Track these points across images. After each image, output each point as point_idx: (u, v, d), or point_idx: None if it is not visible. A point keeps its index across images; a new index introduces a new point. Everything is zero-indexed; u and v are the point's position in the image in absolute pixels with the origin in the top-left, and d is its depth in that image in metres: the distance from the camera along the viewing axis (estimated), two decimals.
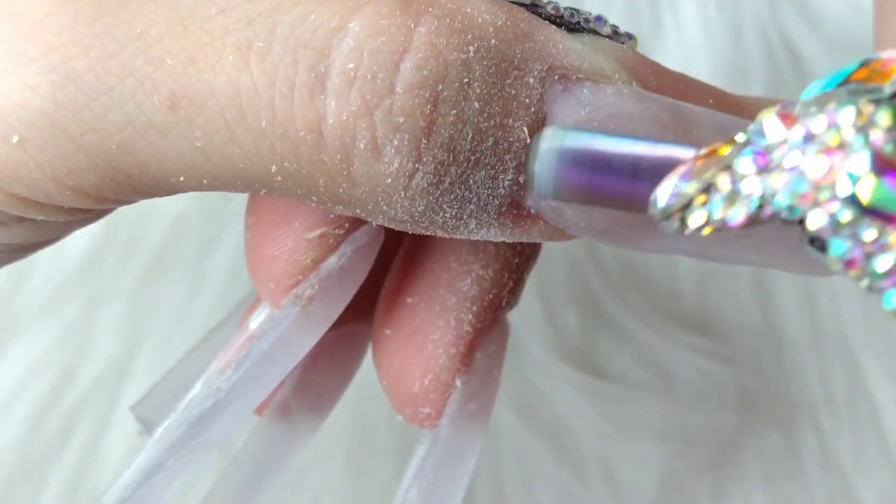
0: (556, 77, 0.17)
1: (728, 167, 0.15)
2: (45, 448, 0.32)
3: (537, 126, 0.17)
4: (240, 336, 0.22)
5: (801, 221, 0.15)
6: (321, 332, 0.21)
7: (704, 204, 0.15)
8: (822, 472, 0.33)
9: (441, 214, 0.17)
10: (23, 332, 0.33)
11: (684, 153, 0.16)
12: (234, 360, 0.21)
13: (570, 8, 0.19)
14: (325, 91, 0.16)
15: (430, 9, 0.16)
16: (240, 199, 0.35)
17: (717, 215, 0.15)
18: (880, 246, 0.14)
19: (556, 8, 0.19)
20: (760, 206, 0.15)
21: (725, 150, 0.15)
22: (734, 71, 0.36)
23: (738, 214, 0.15)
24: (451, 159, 0.17)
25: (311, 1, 0.16)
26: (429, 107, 0.16)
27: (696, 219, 0.15)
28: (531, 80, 0.17)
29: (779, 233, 0.18)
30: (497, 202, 0.18)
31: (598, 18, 0.19)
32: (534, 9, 0.18)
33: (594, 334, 0.34)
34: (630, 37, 0.20)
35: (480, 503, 0.32)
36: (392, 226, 0.18)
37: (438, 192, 0.17)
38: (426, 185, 0.17)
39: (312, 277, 0.21)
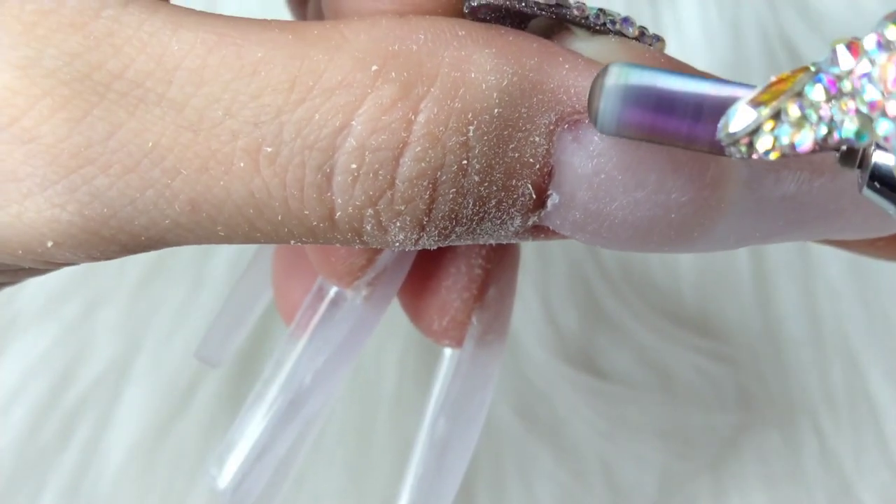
0: (565, 126, 0.18)
1: (798, 94, 0.15)
2: (45, 448, 0.32)
3: (543, 180, 0.18)
4: (317, 302, 0.23)
5: (866, 151, 0.15)
6: (386, 307, 0.23)
7: (773, 130, 0.15)
8: (822, 472, 0.33)
9: (457, 244, 0.18)
10: (23, 332, 0.33)
11: (748, 93, 0.16)
12: (318, 333, 0.23)
13: (598, 9, 0.19)
14: (331, 189, 0.17)
15: (432, 89, 0.17)
16: None
17: (785, 140, 0.15)
18: None
19: (582, 9, 0.18)
20: (829, 133, 0.15)
21: (795, 79, 0.15)
22: (734, 71, 0.36)
23: (805, 139, 0.15)
24: (453, 224, 0.17)
25: (316, 96, 0.16)
26: (428, 192, 0.17)
27: (763, 143, 0.15)
28: (537, 139, 0.17)
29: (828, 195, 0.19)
30: (511, 233, 0.18)
31: (626, 20, 0.19)
32: (559, 10, 0.18)
33: (594, 334, 0.34)
34: (658, 38, 0.20)
35: (480, 503, 0.32)
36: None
37: (447, 242, 0.18)
38: (433, 242, 0.18)
39: (371, 272, 0.22)
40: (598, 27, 0.19)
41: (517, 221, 0.18)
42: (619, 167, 0.17)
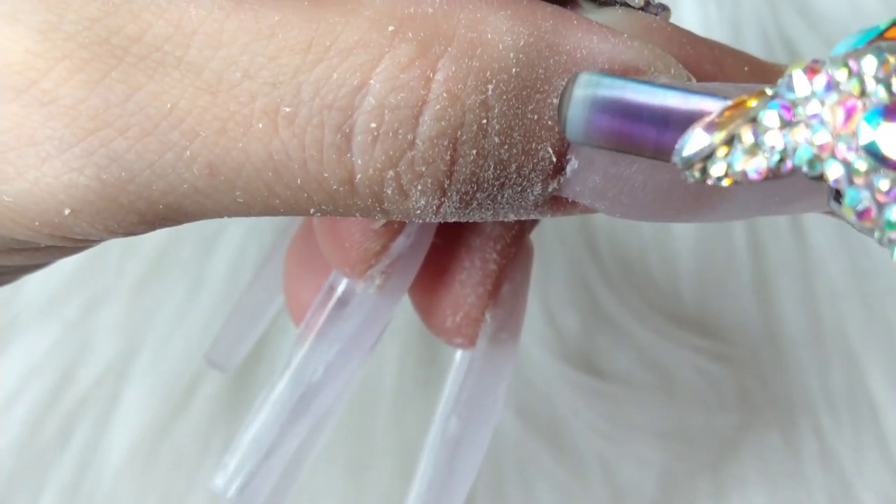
0: None
1: (753, 119, 0.15)
2: (45, 448, 0.32)
3: (563, 144, 0.18)
4: (326, 299, 0.23)
5: (821, 177, 0.15)
6: (400, 299, 0.23)
7: (726, 156, 0.15)
8: (822, 472, 0.33)
9: (477, 216, 0.18)
10: (23, 332, 0.33)
11: (715, 105, 0.16)
12: (326, 331, 0.22)
13: None
14: (351, 150, 0.17)
15: (449, 48, 0.17)
16: None
17: (738, 167, 0.15)
18: (894, 196, 0.14)
19: None
20: (781, 160, 0.15)
21: (752, 102, 0.15)
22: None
23: (758, 167, 0.15)
24: (475, 189, 0.17)
25: (334, 56, 0.16)
26: (449, 153, 0.17)
27: (716, 169, 0.15)
28: (555, 101, 0.17)
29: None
30: (532, 203, 0.18)
31: None
32: None
33: (594, 334, 0.34)
34: (663, 7, 0.20)
35: (480, 503, 0.32)
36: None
37: (468, 210, 0.18)
38: (454, 209, 0.18)
39: (385, 260, 0.22)
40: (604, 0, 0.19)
41: (537, 188, 0.18)
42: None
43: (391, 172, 0.17)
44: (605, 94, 0.16)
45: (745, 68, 0.19)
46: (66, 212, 0.17)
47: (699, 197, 0.18)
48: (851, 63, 0.14)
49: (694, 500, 0.33)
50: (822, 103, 0.14)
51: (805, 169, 0.15)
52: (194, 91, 0.16)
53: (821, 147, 0.14)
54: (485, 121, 0.17)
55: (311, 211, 0.17)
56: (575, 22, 0.18)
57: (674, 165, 0.16)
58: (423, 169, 0.17)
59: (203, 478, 0.32)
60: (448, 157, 0.17)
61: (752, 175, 0.15)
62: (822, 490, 0.33)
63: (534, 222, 0.24)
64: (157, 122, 0.16)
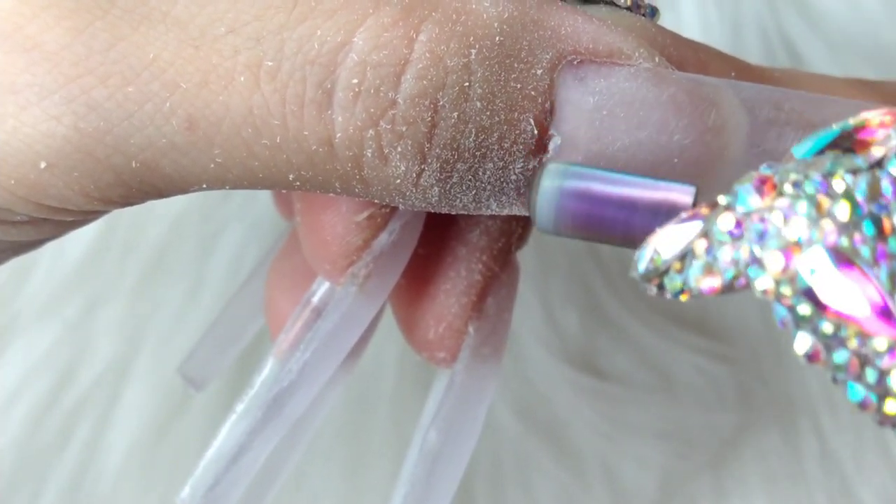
0: (566, 63, 0.18)
1: (706, 233, 0.15)
2: (45, 448, 0.32)
3: (545, 118, 0.18)
4: (302, 310, 0.23)
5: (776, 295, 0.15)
6: (380, 304, 0.22)
7: (680, 271, 0.15)
8: (822, 472, 0.33)
9: (459, 200, 0.18)
10: (23, 332, 0.33)
11: (681, 195, 0.17)
12: (300, 338, 0.22)
13: None
14: (332, 106, 0.17)
15: (433, 13, 0.17)
16: (240, 200, 0.35)
17: (693, 283, 0.15)
18: (838, 340, 0.14)
19: None
20: (735, 277, 0.15)
21: (707, 212, 0.15)
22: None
23: (713, 283, 0.15)
24: (455, 157, 0.17)
25: (318, 15, 0.17)
26: (429, 113, 0.17)
27: (673, 285, 0.15)
28: (538, 72, 0.17)
29: None
30: (513, 186, 0.18)
31: None
32: None
33: (594, 334, 0.34)
34: (653, 10, 0.20)
35: (480, 503, 0.32)
36: (416, 209, 0.19)
37: (448, 185, 0.18)
38: (434, 181, 0.17)
39: (366, 256, 0.21)
40: None
41: (519, 164, 0.18)
42: (622, 104, 0.17)
43: (371, 132, 0.17)
44: (572, 184, 0.17)
45: (732, 73, 0.19)
46: (42, 165, 0.17)
47: (685, 178, 0.18)
48: (787, 206, 0.14)
49: (694, 500, 0.33)
50: (762, 248, 0.14)
51: (757, 293, 0.15)
52: (178, 44, 0.17)
53: (765, 292, 0.14)
54: (467, 84, 0.17)
55: (291, 178, 0.17)
56: (559, 4, 0.18)
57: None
58: (404, 129, 0.17)
59: None
60: (429, 118, 0.17)
61: (707, 290, 0.15)
62: (822, 490, 0.33)
63: (521, 238, 0.23)
64: (138, 72, 0.16)
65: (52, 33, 0.16)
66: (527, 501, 0.32)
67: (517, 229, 0.23)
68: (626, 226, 0.17)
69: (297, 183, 0.18)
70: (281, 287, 0.25)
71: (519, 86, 0.17)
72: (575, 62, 0.18)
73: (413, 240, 0.22)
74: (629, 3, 0.19)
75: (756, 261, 0.14)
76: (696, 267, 0.15)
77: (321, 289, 0.23)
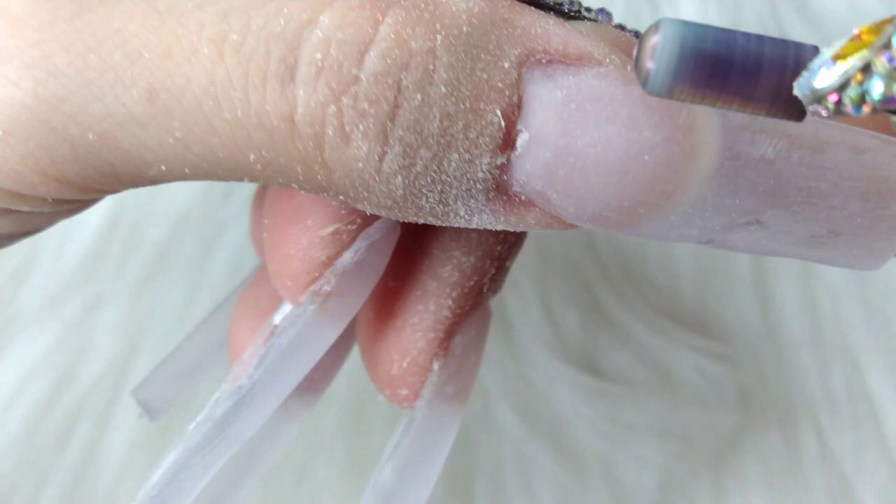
0: (534, 61, 0.17)
1: (886, 46, 0.14)
2: (45, 448, 0.32)
3: (512, 112, 0.17)
4: (264, 333, 0.22)
5: None
6: (342, 327, 0.21)
7: (861, 84, 0.14)
8: (822, 472, 0.33)
9: (425, 200, 0.18)
10: (23, 332, 0.33)
11: (827, 50, 0.15)
12: (255, 357, 0.21)
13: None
14: (294, 81, 0.17)
15: (402, 0, 0.17)
16: (240, 200, 0.35)
17: (876, 93, 0.14)
18: None
19: None
20: None
21: (881, 31, 0.14)
22: None
23: None
24: (419, 141, 0.17)
25: None
26: (392, 93, 0.17)
27: (853, 98, 0.14)
28: (506, 65, 0.17)
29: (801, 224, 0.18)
30: (481, 187, 0.18)
31: (602, 11, 0.19)
32: None
33: (594, 334, 0.34)
34: (637, 34, 0.19)
35: (480, 503, 0.32)
36: (383, 214, 0.18)
37: (412, 175, 0.17)
38: (398, 167, 0.17)
39: (329, 274, 0.21)
40: (572, 14, 0.19)
41: (486, 159, 0.17)
42: (590, 100, 0.17)
43: (333, 107, 0.17)
44: (692, 41, 0.15)
45: None
46: None
47: (654, 185, 0.17)
48: None
49: (694, 500, 0.33)
50: None
51: None
52: (144, 16, 0.17)
53: None
54: (431, 67, 0.17)
55: (252, 159, 0.17)
56: (531, 9, 0.18)
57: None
58: (366, 106, 0.17)
59: None
60: (392, 98, 0.17)
61: (894, 101, 0.14)
62: (822, 490, 0.33)
63: (494, 280, 0.23)
64: (101, 41, 0.16)
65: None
66: (527, 501, 0.32)
67: (490, 269, 0.22)
68: (751, 83, 0.15)
69: (259, 166, 0.17)
70: (245, 316, 0.24)
71: (486, 76, 0.17)
72: (544, 61, 0.18)
73: (380, 263, 0.21)
74: (613, 24, 0.19)
75: None
76: (879, 77, 0.14)
77: (284, 309, 0.22)
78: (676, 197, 0.18)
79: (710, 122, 0.17)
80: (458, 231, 0.22)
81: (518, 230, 0.19)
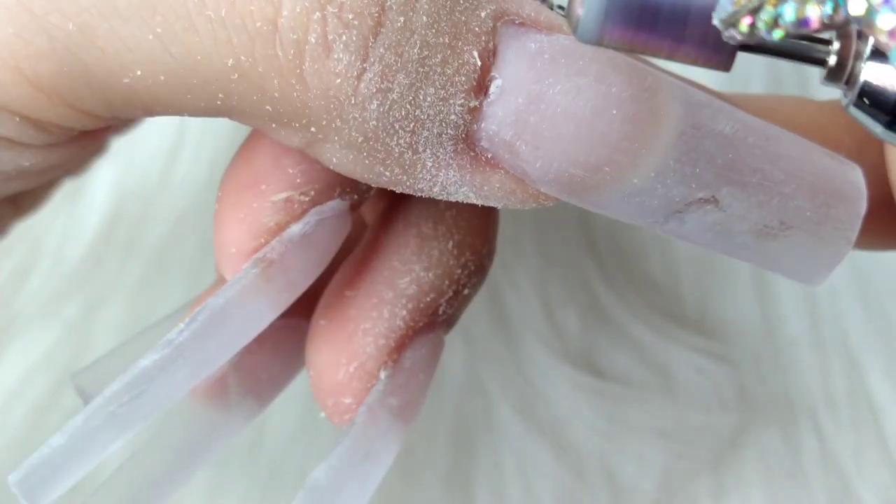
0: (508, 20, 0.18)
1: None
2: None
3: (488, 56, 0.18)
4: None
5: (854, 68, 0.15)
6: (281, 306, 0.20)
7: (776, 6, 0.14)
8: (822, 472, 0.33)
9: (396, 140, 0.18)
10: (23, 332, 0.33)
11: None
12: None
13: None
14: None
15: None
16: None
17: (789, 17, 0.14)
18: None
19: None
20: (835, 10, 0.14)
21: None
22: (734, 70, 0.36)
23: (811, 15, 0.14)
24: (398, 65, 0.17)
25: None
26: (377, 9, 0.17)
27: (767, 21, 0.14)
28: (482, 14, 0.18)
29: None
30: (451, 133, 0.18)
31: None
32: None
33: (594, 334, 0.35)
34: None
35: (480, 503, 0.32)
36: (349, 161, 0.18)
37: (388, 102, 0.17)
38: (375, 89, 0.17)
39: (275, 243, 0.20)
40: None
41: (460, 100, 0.18)
42: (562, 52, 0.18)
43: (318, 14, 0.17)
44: None
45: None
46: None
47: (621, 143, 0.18)
48: None
49: (694, 500, 0.33)
50: None
51: (860, 16, 0.14)
52: None
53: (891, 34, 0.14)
54: None
55: (230, 64, 0.17)
56: None
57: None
58: (350, 17, 0.17)
59: (201, 478, 0.32)
60: (376, 14, 0.17)
61: (808, 24, 0.14)
62: (822, 490, 0.33)
63: (451, 304, 0.23)
64: None
65: None
66: (527, 501, 0.32)
67: (448, 291, 0.22)
68: (678, 31, 0.16)
69: (235, 76, 0.17)
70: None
71: (464, 18, 0.18)
72: (517, 22, 0.18)
73: (328, 247, 0.21)
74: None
75: None
76: (793, 0, 0.14)
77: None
78: (641, 157, 0.18)
79: (673, 90, 0.18)
80: (420, 246, 0.22)
81: (480, 198, 0.19)
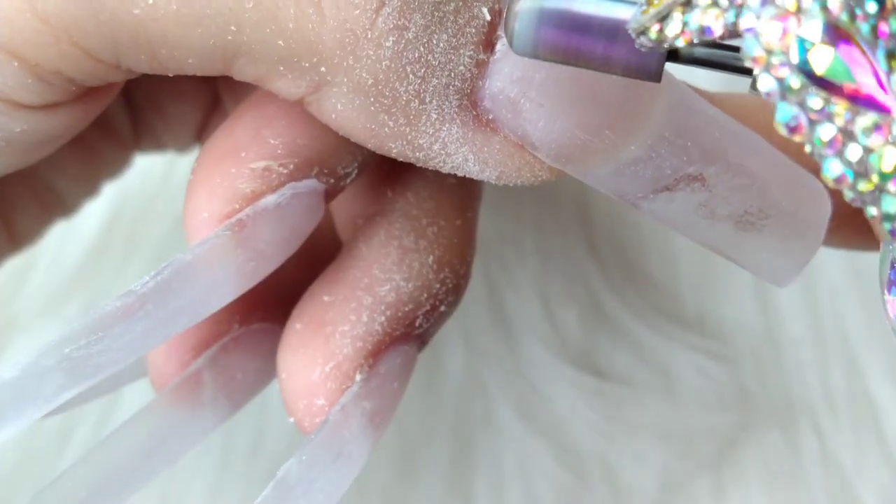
0: None
1: None
2: (45, 448, 0.32)
3: (496, 15, 0.18)
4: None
5: (756, 77, 0.15)
6: (248, 274, 0.20)
7: (683, 14, 0.15)
8: (822, 472, 0.33)
9: (405, 84, 0.18)
10: (23, 332, 0.33)
11: None
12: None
13: None
14: None
15: None
16: None
17: (695, 24, 0.15)
18: (825, 115, 0.14)
19: None
20: (737, 17, 0.14)
21: None
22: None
23: (715, 23, 0.15)
24: (416, 3, 0.17)
25: None
26: None
27: (673, 28, 0.15)
28: None
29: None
30: (458, 85, 0.18)
31: None
32: None
33: (594, 334, 0.34)
34: None
35: (480, 503, 0.32)
36: (353, 108, 0.18)
37: (403, 41, 0.18)
38: (392, 25, 0.17)
39: (249, 210, 0.20)
40: None
41: (469, 51, 0.18)
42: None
43: None
44: (551, 5, 0.17)
45: None
46: None
47: (622, 102, 0.18)
48: None
49: (694, 500, 0.33)
50: (758, 17, 0.14)
51: (747, 60, 0.14)
52: None
53: (755, 60, 0.14)
54: None
55: None
56: None
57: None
58: None
59: (202, 477, 0.32)
60: None
61: (711, 31, 0.15)
62: (822, 490, 0.33)
63: (427, 317, 0.23)
64: None
65: None
66: (527, 501, 0.32)
67: (426, 304, 0.22)
68: (607, 46, 0.17)
69: (251, 4, 0.17)
70: (164, 349, 0.23)
71: None
72: None
73: (302, 224, 0.21)
74: None
75: (751, 30, 0.14)
76: (699, 9, 0.15)
77: None
78: (641, 120, 0.18)
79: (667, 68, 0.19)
80: (402, 257, 0.22)
81: (478, 163, 0.19)
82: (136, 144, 0.28)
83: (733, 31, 0.15)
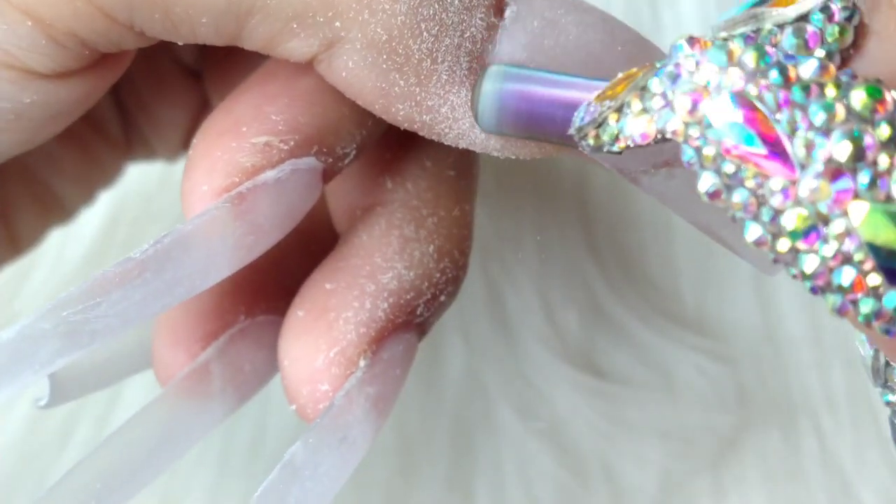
0: None
1: (642, 88, 0.16)
2: (45, 448, 0.32)
3: None
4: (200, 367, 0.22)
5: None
6: (245, 248, 0.20)
7: (617, 122, 0.16)
8: (822, 472, 0.33)
9: (419, 42, 0.18)
10: None
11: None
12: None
13: None
14: None
15: None
16: None
17: (627, 131, 0.16)
18: (738, 180, 0.15)
19: None
20: (667, 123, 0.15)
21: (640, 74, 0.16)
22: None
23: (646, 130, 0.16)
24: None
25: None
26: None
27: (608, 134, 0.16)
28: None
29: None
30: (469, 47, 0.19)
31: None
32: None
33: (594, 334, 0.35)
34: None
35: (480, 503, 0.32)
36: (366, 61, 0.18)
37: (419, 5, 0.18)
38: None
39: (249, 184, 0.20)
40: None
41: (481, 13, 0.19)
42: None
43: None
44: (513, 86, 0.18)
45: None
46: None
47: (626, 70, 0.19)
48: (701, 54, 0.15)
49: (694, 500, 0.33)
50: (672, 92, 0.15)
51: (667, 133, 0.16)
52: None
53: (674, 133, 0.15)
54: None
55: None
56: None
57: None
58: None
59: (202, 477, 0.32)
60: None
61: (641, 138, 0.16)
62: (822, 490, 0.33)
63: (428, 306, 0.23)
64: None
65: None
66: (527, 501, 0.32)
67: (426, 293, 0.22)
68: (565, 124, 0.17)
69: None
70: (171, 342, 0.23)
71: None
72: None
73: (301, 200, 0.21)
74: None
75: (668, 104, 0.15)
76: (631, 116, 0.16)
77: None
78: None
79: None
80: (403, 246, 0.22)
81: (483, 132, 0.20)
82: (128, 149, 0.28)
83: (662, 136, 0.15)
